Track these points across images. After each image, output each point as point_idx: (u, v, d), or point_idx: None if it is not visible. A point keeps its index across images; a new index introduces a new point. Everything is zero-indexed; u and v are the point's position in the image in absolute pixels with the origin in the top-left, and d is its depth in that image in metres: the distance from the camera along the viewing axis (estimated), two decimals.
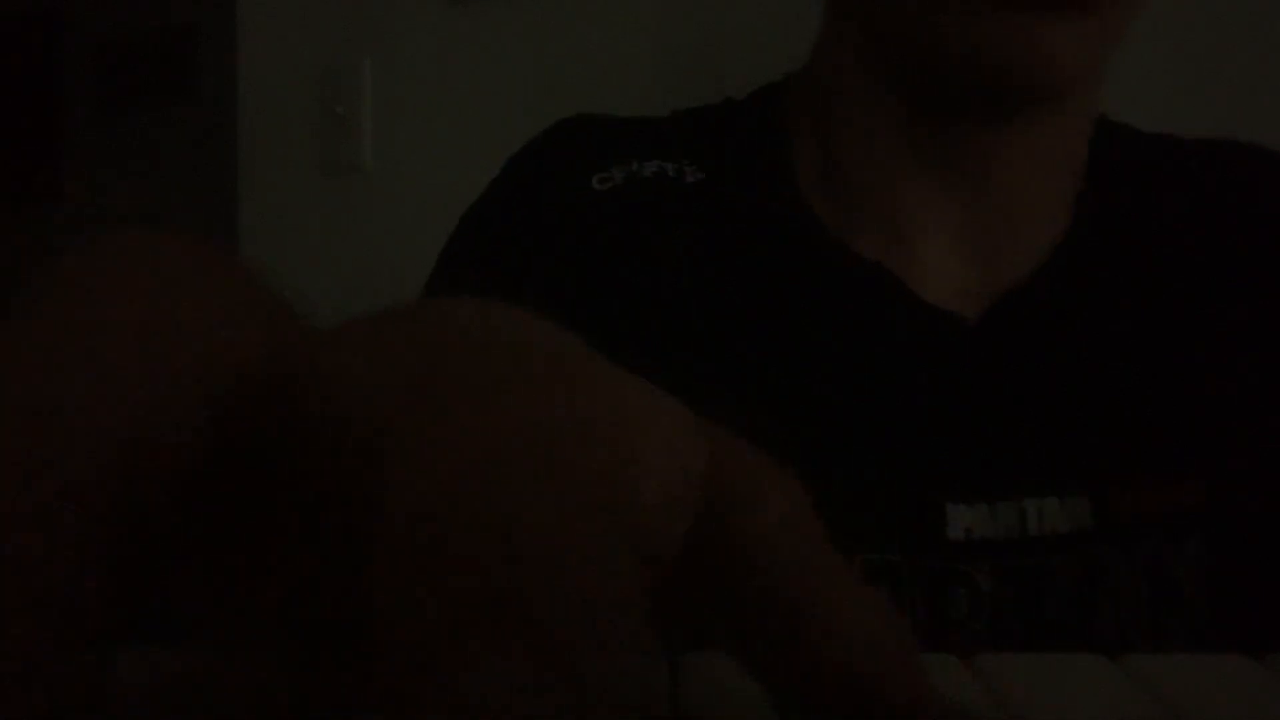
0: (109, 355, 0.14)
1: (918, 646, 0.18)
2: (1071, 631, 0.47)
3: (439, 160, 1.36)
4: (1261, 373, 0.51)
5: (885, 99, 0.52)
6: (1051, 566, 0.48)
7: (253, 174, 1.51)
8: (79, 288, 0.15)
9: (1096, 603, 0.48)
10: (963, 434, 0.50)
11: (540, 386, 0.15)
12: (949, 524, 0.48)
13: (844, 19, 0.54)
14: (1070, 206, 0.54)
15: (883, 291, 0.52)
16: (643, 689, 0.14)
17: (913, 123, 0.52)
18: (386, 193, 1.40)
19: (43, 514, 0.13)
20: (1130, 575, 0.48)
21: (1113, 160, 0.55)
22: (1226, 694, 0.23)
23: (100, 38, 1.81)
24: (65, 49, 1.86)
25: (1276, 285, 0.53)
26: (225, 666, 0.15)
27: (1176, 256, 0.53)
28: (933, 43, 0.48)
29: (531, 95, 1.29)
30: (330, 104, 1.42)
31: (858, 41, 0.53)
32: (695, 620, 0.18)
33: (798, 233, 0.53)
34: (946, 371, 0.51)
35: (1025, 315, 0.52)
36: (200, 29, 1.63)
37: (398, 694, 0.13)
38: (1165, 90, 0.92)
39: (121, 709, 0.18)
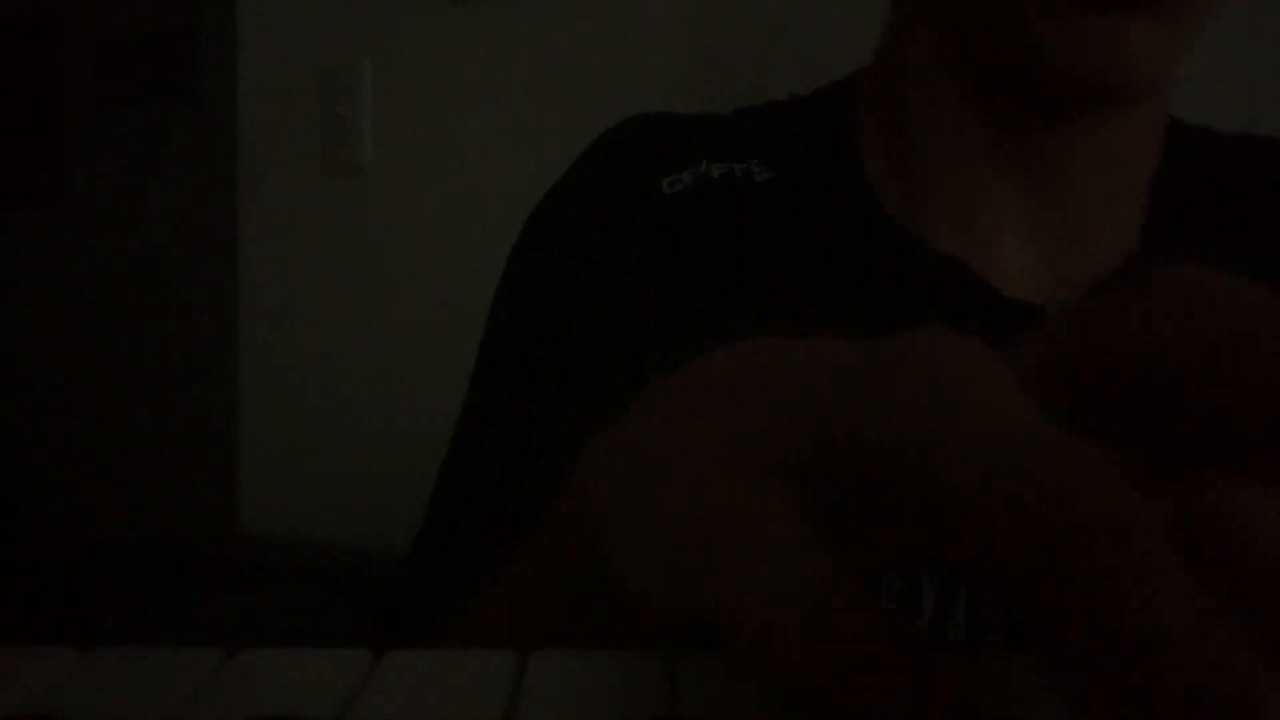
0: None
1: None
2: None
3: (439, 160, 1.36)
4: None
5: (960, 99, 0.52)
6: None
7: (253, 174, 1.51)
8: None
9: None
10: None
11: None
12: None
13: (916, 20, 0.54)
14: (1143, 205, 0.54)
15: (961, 286, 0.52)
16: None
17: (988, 122, 0.52)
18: (386, 193, 1.40)
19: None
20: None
21: (1185, 159, 0.56)
22: None
23: (100, 38, 1.81)
24: (65, 49, 1.86)
25: None
26: None
27: (1252, 253, 0.54)
28: (1014, 44, 0.47)
29: (531, 95, 1.29)
30: (330, 104, 1.42)
31: (932, 42, 0.52)
32: None
33: (873, 229, 0.54)
34: None
35: None
36: (200, 29, 1.63)
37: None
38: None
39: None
